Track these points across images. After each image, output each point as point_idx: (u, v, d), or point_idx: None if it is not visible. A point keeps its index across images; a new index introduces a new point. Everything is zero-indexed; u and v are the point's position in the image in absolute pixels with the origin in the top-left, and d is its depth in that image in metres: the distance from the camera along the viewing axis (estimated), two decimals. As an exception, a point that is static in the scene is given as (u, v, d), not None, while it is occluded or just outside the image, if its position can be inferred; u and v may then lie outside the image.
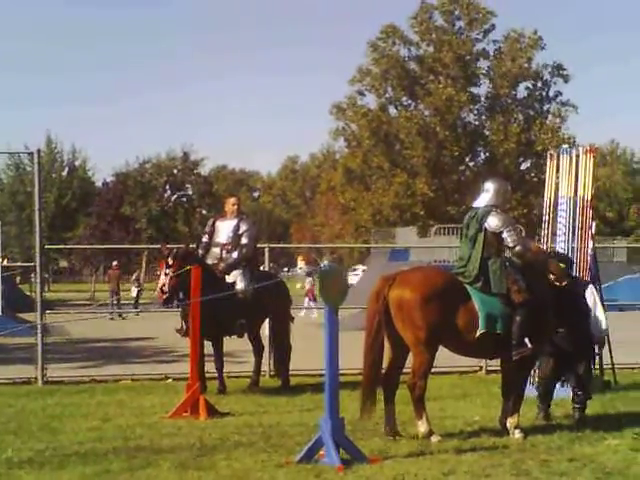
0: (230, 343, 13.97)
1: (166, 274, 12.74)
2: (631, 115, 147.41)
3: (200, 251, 13.80)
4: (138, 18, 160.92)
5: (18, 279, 47.43)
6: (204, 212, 72.69)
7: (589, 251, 13.40)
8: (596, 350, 11.94)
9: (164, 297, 12.83)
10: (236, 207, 14.02)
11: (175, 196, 76.03)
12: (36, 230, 14.90)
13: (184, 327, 13.18)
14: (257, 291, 13.19)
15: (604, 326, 11.26)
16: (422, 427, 9.58)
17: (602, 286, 13.54)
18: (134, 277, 42.71)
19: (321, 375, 10.77)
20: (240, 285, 13.38)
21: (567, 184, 13.76)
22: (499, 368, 10.65)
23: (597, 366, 12.62)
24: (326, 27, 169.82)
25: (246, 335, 13.95)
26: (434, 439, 9.44)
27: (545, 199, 14.25)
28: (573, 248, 13.30)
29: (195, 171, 77.36)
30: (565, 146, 15.55)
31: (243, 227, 13.79)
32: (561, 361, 10.83)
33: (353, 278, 46.06)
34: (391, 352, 9.82)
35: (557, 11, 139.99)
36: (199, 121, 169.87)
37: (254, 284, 13.26)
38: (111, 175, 73.05)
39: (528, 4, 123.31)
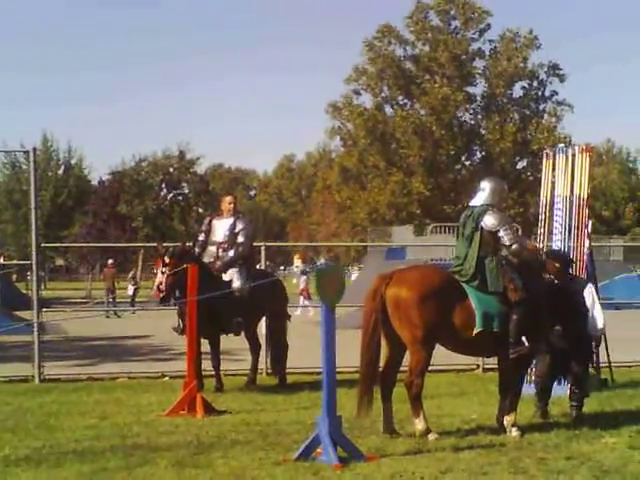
0: (227, 341, 13.97)
1: (163, 272, 12.74)
2: (627, 114, 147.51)
3: (197, 249, 13.80)
4: (136, 18, 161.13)
5: (14, 277, 47.40)
6: (200, 211, 72.67)
7: (585, 250, 13.42)
8: (593, 348, 11.95)
9: (161, 295, 12.82)
10: (232, 206, 14.01)
11: (171, 194, 75.96)
12: (32, 228, 14.90)
13: (181, 325, 13.19)
14: (254, 289, 13.19)
15: (600, 325, 11.28)
16: (419, 425, 9.59)
17: (598, 285, 13.55)
18: (130, 275, 42.69)
19: (318, 373, 10.83)
20: (236, 283, 13.38)
21: (563, 183, 13.77)
22: (496, 366, 10.66)
23: (594, 364, 12.62)
24: (322, 27, 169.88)
25: (243, 333, 13.96)
26: (431, 437, 9.45)
27: (541, 198, 14.27)
28: (569, 247, 13.32)
29: (191, 170, 77.26)
30: (561, 145, 15.56)
31: (239, 226, 13.79)
32: (558, 359, 10.84)
33: (355, 274, 45.96)
34: (388, 350, 9.83)
35: (553, 11, 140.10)
36: (195, 120, 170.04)
37: (250, 282, 13.27)
38: (107, 173, 73.05)
39: (523, 4, 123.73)
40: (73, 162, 75.06)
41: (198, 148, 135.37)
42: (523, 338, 9.84)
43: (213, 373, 13.40)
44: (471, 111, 65.68)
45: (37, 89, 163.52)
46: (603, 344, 13.00)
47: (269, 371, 14.75)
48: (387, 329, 9.67)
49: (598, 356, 12.96)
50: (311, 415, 10.12)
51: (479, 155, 66.50)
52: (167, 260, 12.74)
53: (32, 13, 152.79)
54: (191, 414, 11.11)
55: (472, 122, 65.84)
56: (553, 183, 14.05)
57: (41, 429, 10.34)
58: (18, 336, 18.08)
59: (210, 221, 14.16)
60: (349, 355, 10.14)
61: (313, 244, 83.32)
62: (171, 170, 76.46)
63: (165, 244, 13.59)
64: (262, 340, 14.44)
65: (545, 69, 65.16)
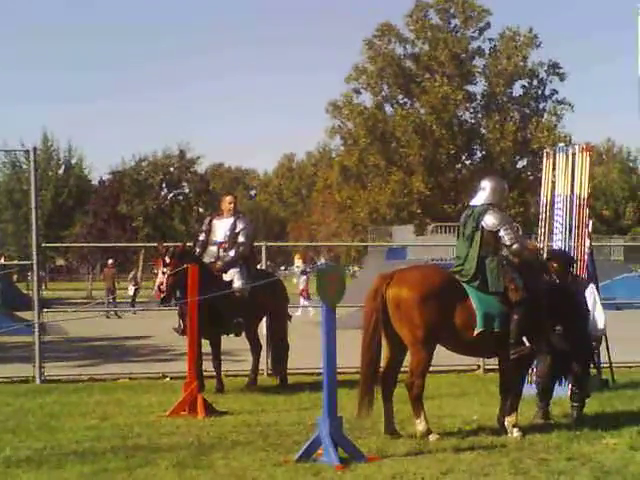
0: (228, 342, 13.97)
1: (163, 273, 12.73)
2: (627, 114, 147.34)
3: (197, 249, 13.79)
4: (136, 17, 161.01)
5: (15, 277, 47.40)
6: (201, 210, 72.69)
7: (586, 250, 13.41)
8: (593, 349, 11.94)
9: (162, 296, 12.82)
10: (233, 205, 14.00)
11: (172, 194, 75.99)
12: (33, 228, 14.89)
13: (182, 326, 13.18)
14: (254, 290, 13.19)
15: (601, 325, 11.27)
16: (420, 426, 9.58)
17: (599, 285, 13.54)
18: (131, 276, 42.68)
19: (319, 374, 10.82)
20: (237, 284, 13.38)
21: (563, 182, 13.76)
22: (497, 367, 10.65)
23: (595, 365, 12.61)
24: (322, 26, 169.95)
25: (244, 334, 13.95)
26: (432, 438, 9.45)
27: (541, 197, 14.26)
28: (570, 246, 13.31)
29: (191, 169, 77.28)
30: (561, 144, 15.56)
31: (240, 225, 13.78)
32: (559, 360, 10.84)
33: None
34: (389, 351, 9.82)
35: (553, 9, 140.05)
36: (195, 119, 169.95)
37: (251, 283, 13.26)
38: (107, 173, 73.09)
39: (523, 2, 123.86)
40: (73, 162, 75.06)
41: (198, 148, 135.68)
42: (524, 338, 9.85)
43: (214, 374, 13.39)
44: (471, 110, 65.71)
45: (38, 88, 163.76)
46: (604, 344, 12.98)
47: (270, 372, 14.74)
48: (388, 329, 9.67)
49: (599, 356, 12.94)
50: (312, 416, 10.11)
51: (479, 154, 66.52)
52: (168, 260, 12.73)
53: (32, 11, 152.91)
54: (192, 415, 11.11)
55: (472, 121, 65.87)
56: (553, 182, 14.05)
57: (42, 430, 10.34)
58: (19, 337, 18.12)
59: (210, 221, 14.15)
60: (350, 355, 10.13)
61: (313, 244, 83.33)
62: (171, 170, 76.46)
63: (165, 244, 13.57)
64: (263, 341, 14.43)
65: (545, 68, 65.21)
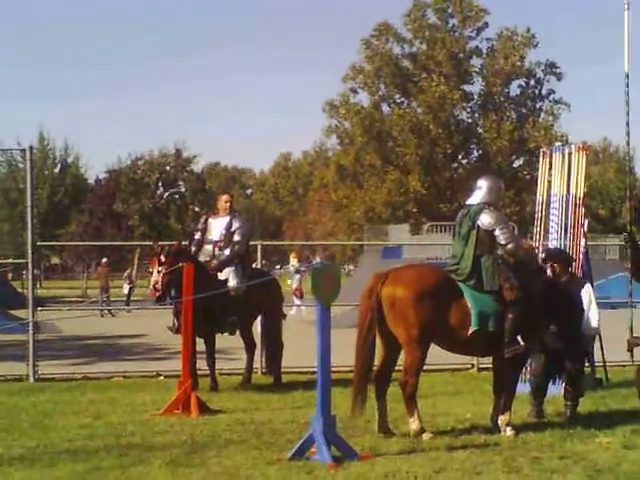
0: (222, 340, 13.96)
1: (159, 271, 12.73)
2: (623, 113, 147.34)
3: (192, 248, 13.79)
4: (132, 16, 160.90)
5: (10, 276, 47.39)
6: (197, 209, 72.69)
7: (581, 249, 13.42)
8: (587, 348, 11.94)
9: (157, 294, 12.82)
10: (229, 204, 14.00)
11: (167, 193, 76.01)
12: (28, 227, 14.88)
13: (176, 324, 13.18)
14: (249, 288, 13.18)
15: (595, 324, 11.28)
16: (414, 424, 9.58)
17: (594, 284, 13.55)
18: (126, 274, 42.63)
19: (313, 372, 10.81)
20: (232, 282, 13.38)
21: (560, 182, 13.77)
22: (491, 366, 10.66)
23: (589, 364, 12.62)
24: (320, 25, 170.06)
25: (238, 332, 13.95)
26: (425, 436, 9.44)
27: (538, 197, 14.28)
28: (565, 246, 13.31)
29: (188, 168, 77.29)
30: (558, 144, 15.62)
31: (236, 224, 13.78)
32: (553, 359, 10.84)
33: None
34: (383, 350, 9.82)
35: (550, 9, 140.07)
36: (192, 119, 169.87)
37: (246, 281, 13.26)
38: (103, 172, 73.08)
39: (521, 2, 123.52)
40: (69, 160, 74.97)
41: (194, 147, 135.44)
42: (518, 337, 9.85)
43: (208, 372, 13.39)
44: (468, 109, 65.75)
45: (34, 87, 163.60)
46: (598, 343, 12.99)
47: (264, 370, 14.73)
48: (382, 328, 9.67)
49: (593, 355, 12.95)
50: (305, 414, 10.11)
51: (476, 153, 66.55)
52: (163, 259, 12.73)
53: (28, 9, 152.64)
54: (186, 413, 11.10)
55: (469, 120, 65.91)
56: (549, 182, 14.05)
57: (35, 428, 10.32)
58: (13, 335, 18.09)
59: (206, 220, 14.15)
60: (344, 354, 10.13)
61: (309, 243, 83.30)
62: (167, 168, 76.48)
63: (161, 243, 13.58)
64: (257, 339, 14.42)
65: (542, 67, 65.25)
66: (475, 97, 65.67)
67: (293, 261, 39.68)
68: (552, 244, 13.46)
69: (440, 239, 37.28)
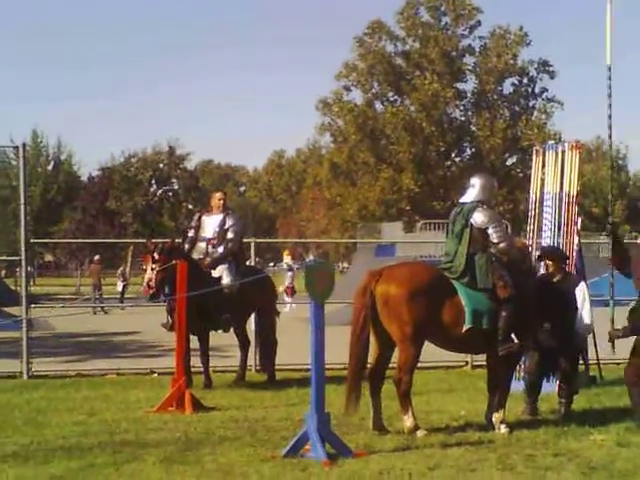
0: (216, 338, 13.96)
1: (152, 269, 12.72)
2: (617, 111, 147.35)
3: (186, 246, 13.78)
4: (125, 16, 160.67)
5: (3, 273, 47.33)
6: (190, 207, 72.64)
7: (575, 247, 13.44)
8: (582, 345, 11.96)
9: (151, 292, 12.80)
10: (222, 202, 14.00)
11: (161, 190, 75.92)
12: (21, 224, 14.87)
13: (170, 321, 13.16)
14: (243, 286, 13.17)
15: (588, 321, 11.29)
16: (408, 422, 9.59)
17: (588, 282, 13.57)
18: (119, 271, 42.58)
19: (307, 370, 10.79)
20: (226, 280, 13.38)
21: (553, 180, 13.78)
22: (485, 363, 10.66)
23: (583, 361, 12.64)
24: (313, 24, 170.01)
25: (232, 330, 13.94)
26: (420, 434, 9.45)
27: (531, 195, 14.28)
28: (559, 244, 13.32)
29: (181, 165, 77.24)
30: (551, 142, 15.58)
31: (229, 222, 13.78)
32: (547, 356, 10.86)
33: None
34: (377, 347, 9.82)
35: (543, 8, 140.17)
36: (185, 117, 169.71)
37: (240, 279, 13.26)
38: (97, 169, 72.98)
39: (514, 1, 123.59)
40: (63, 158, 74.97)
41: (188, 144, 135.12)
42: (512, 335, 9.86)
43: (202, 370, 13.38)
44: (461, 107, 65.84)
45: (27, 85, 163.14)
46: (592, 341, 13.01)
47: (258, 368, 14.74)
48: (376, 326, 9.67)
49: (587, 353, 12.97)
50: (300, 412, 10.11)
51: (469, 151, 66.64)
52: (156, 256, 12.72)
53: (22, 8, 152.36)
54: (180, 410, 11.10)
55: (462, 118, 65.98)
56: (543, 180, 14.06)
57: (29, 425, 10.31)
58: (6, 332, 18.05)
59: (200, 217, 14.14)
60: (338, 352, 10.12)
61: (303, 240, 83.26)
62: (161, 166, 76.43)
63: (154, 240, 13.57)
64: (251, 337, 14.42)
65: (535, 66, 65.33)
66: (468, 95, 65.75)
67: (286, 259, 39.64)
68: (545, 242, 13.46)
69: (433, 237, 37.31)
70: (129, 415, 10.92)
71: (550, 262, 11.26)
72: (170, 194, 76.21)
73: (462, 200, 10.36)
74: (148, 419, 10.65)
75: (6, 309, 26.52)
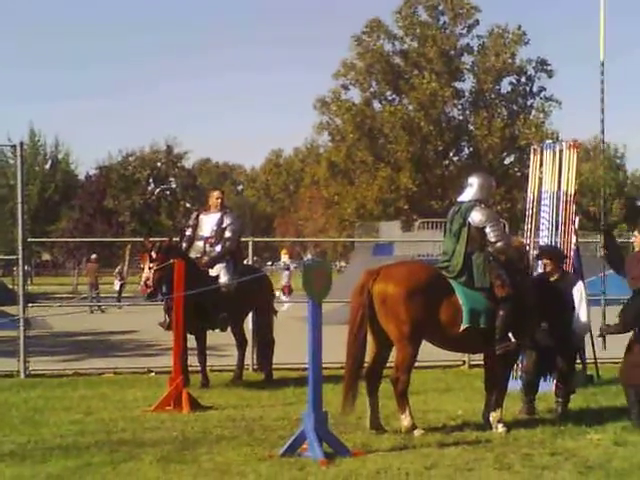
0: (213, 337, 13.95)
1: (150, 268, 12.71)
2: (614, 111, 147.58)
3: (184, 244, 13.78)
4: (120, 16, 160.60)
5: (0, 272, 47.28)
6: (188, 205, 72.56)
7: (572, 246, 13.44)
8: (579, 344, 11.96)
9: (148, 291, 12.80)
10: (220, 201, 14.00)
11: (158, 189, 75.87)
12: (19, 223, 14.86)
13: (167, 320, 13.16)
14: (240, 285, 13.17)
15: (584, 320, 11.29)
16: (405, 421, 9.59)
17: (585, 281, 13.57)
18: (117, 270, 42.54)
19: (304, 369, 10.81)
20: (223, 279, 13.37)
21: (550, 179, 13.79)
22: (482, 362, 10.67)
23: (580, 360, 12.64)
24: (310, 24, 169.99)
25: (229, 329, 13.94)
26: (417, 433, 9.46)
27: (529, 194, 14.29)
28: (556, 243, 13.33)
29: (179, 164, 77.21)
30: (549, 141, 15.59)
31: (227, 221, 13.78)
32: (544, 355, 10.86)
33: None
34: (374, 346, 9.83)
35: (541, 7, 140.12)
36: (183, 116, 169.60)
37: (237, 278, 13.26)
38: (94, 168, 72.93)
39: (512, 0, 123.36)
40: (60, 157, 74.85)
41: (185, 143, 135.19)
42: (510, 334, 9.87)
43: (199, 369, 13.38)
44: (459, 106, 65.72)
45: (24, 84, 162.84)
46: (589, 340, 13.01)
47: (255, 367, 14.73)
48: (374, 325, 9.67)
49: (584, 352, 12.97)
50: (297, 411, 10.11)
51: (467, 151, 66.53)
52: (154, 255, 12.71)
53: (19, 8, 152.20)
54: (177, 410, 11.10)
55: (460, 117, 65.89)
56: (540, 179, 14.07)
57: (26, 424, 10.32)
58: (4, 331, 18.04)
59: (197, 216, 14.14)
60: (335, 351, 10.12)
61: (300, 239, 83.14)
62: (158, 165, 76.38)
63: (152, 239, 13.56)
64: (248, 336, 14.41)
65: (533, 65, 65.28)
66: (466, 94, 65.65)
67: (284, 257, 39.61)
68: (543, 241, 13.47)
69: (431, 236, 37.20)
70: (126, 414, 10.92)
71: (548, 261, 11.26)
72: (168, 193, 76.16)
73: (460, 199, 10.36)
74: (145, 418, 10.65)
75: (3, 308, 26.50)
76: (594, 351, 13.56)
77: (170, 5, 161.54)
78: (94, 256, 39.94)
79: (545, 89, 65.56)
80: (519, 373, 11.85)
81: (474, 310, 9.70)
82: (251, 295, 13.56)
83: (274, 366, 14.19)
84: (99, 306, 34.58)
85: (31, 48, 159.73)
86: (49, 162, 74.34)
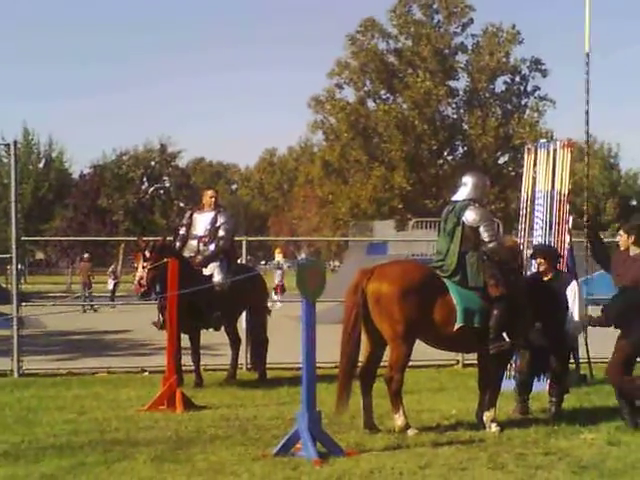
0: (207, 336, 13.94)
1: (143, 267, 12.70)
2: (608, 110, 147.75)
3: (177, 244, 13.77)
4: (115, 14, 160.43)
5: (-6, 271, 47.12)
6: (181, 204, 72.46)
7: (566, 245, 13.44)
8: (572, 344, 11.97)
9: (142, 290, 12.78)
10: (214, 200, 14.00)
11: (152, 188, 75.79)
12: (12, 222, 14.84)
13: (161, 320, 13.15)
14: (234, 284, 13.16)
15: (578, 320, 11.30)
16: (399, 420, 9.59)
17: (579, 280, 13.58)
18: (110, 270, 42.50)
19: (298, 368, 10.80)
20: (217, 278, 13.36)
21: (544, 178, 13.79)
22: (476, 362, 10.67)
23: (574, 360, 12.66)
24: (305, 22, 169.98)
25: (223, 328, 13.93)
26: (411, 432, 9.46)
27: (522, 193, 14.29)
28: (550, 242, 13.33)
29: (172, 163, 77.16)
30: (543, 140, 15.59)
31: (220, 220, 13.77)
32: (537, 355, 10.86)
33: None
34: (368, 346, 9.82)
35: (535, 6, 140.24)
36: (177, 115, 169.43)
37: (231, 277, 13.25)
38: (88, 167, 72.83)
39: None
40: (54, 155, 74.82)
41: (179, 142, 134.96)
42: (503, 334, 9.87)
43: (193, 368, 13.37)
44: (453, 105, 65.71)
45: (18, 82, 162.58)
46: (582, 340, 13.03)
47: (249, 366, 14.72)
48: (368, 324, 9.67)
49: (577, 352, 12.98)
50: (290, 410, 10.10)
51: (461, 150, 66.53)
52: (148, 254, 12.70)
53: (13, 5, 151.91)
54: (170, 409, 11.09)
55: (454, 117, 65.89)
56: (534, 178, 14.07)
57: (19, 424, 10.30)
58: (-3, 330, 18.01)
59: (191, 215, 14.13)
60: (329, 350, 10.12)
61: (294, 239, 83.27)
62: (152, 164, 76.30)
63: (146, 238, 13.55)
64: (242, 335, 14.41)
65: (527, 64, 65.31)
66: (460, 93, 65.65)
67: (278, 257, 39.60)
68: (537, 240, 13.47)
69: (425, 235, 37.23)
70: (120, 414, 10.91)
71: (542, 260, 11.26)
72: (161, 192, 76.07)
73: (454, 198, 10.37)
74: (139, 418, 10.64)
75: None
76: (588, 351, 13.58)
77: (165, 4, 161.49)
78: (87, 255, 39.92)
79: (539, 88, 65.62)
80: (513, 373, 11.85)
81: (468, 309, 9.71)
82: (245, 294, 13.55)
83: (268, 365, 14.18)
84: (91, 305, 34.53)
85: (24, 46, 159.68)
86: (43, 161, 74.34)
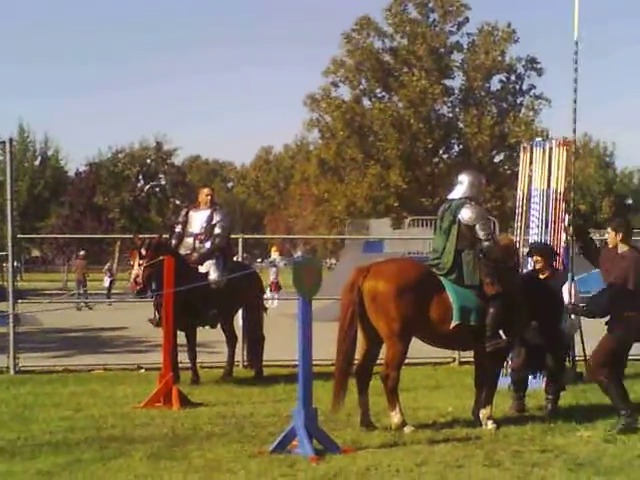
0: (203, 334, 13.94)
1: (139, 265, 12.69)
2: (604, 109, 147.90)
3: (173, 241, 13.77)
4: (111, 13, 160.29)
5: (-10, 268, 47.05)
6: (177, 202, 72.43)
7: (562, 244, 13.45)
8: (568, 342, 11.98)
9: (138, 288, 12.78)
10: (210, 197, 13.99)
11: (148, 186, 75.69)
12: (8, 219, 14.84)
13: (157, 317, 13.15)
14: (230, 282, 13.17)
15: (574, 317, 11.31)
16: (395, 418, 9.60)
17: (575, 278, 13.58)
18: (106, 267, 42.49)
19: (294, 366, 10.81)
20: (213, 275, 13.36)
21: (540, 177, 13.80)
22: (472, 359, 10.68)
23: (569, 358, 12.66)
24: (300, 21, 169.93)
25: (219, 325, 13.94)
26: (407, 430, 9.47)
27: (518, 192, 14.30)
28: (546, 241, 13.35)
29: (168, 161, 77.06)
30: (538, 139, 15.60)
31: (216, 217, 13.77)
32: (534, 353, 10.88)
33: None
34: (365, 343, 9.83)
35: (530, 5, 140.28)
36: (173, 113, 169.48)
37: (227, 274, 13.25)
38: (84, 165, 72.71)
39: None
40: (49, 153, 74.73)
41: (175, 140, 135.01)
42: (500, 332, 9.88)
43: (189, 365, 13.37)
44: (449, 104, 65.69)
45: (14, 80, 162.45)
46: (579, 337, 13.03)
47: (245, 364, 14.73)
48: (364, 322, 9.68)
49: (573, 349, 12.99)
50: (287, 408, 10.12)
51: (457, 148, 66.53)
52: (144, 252, 12.70)
53: (9, 3, 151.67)
54: (167, 406, 11.10)
55: (450, 115, 65.88)
56: (530, 177, 14.07)
57: (16, 421, 10.30)
58: (-7, 327, 18.00)
59: (187, 213, 14.13)
60: (325, 348, 10.14)
61: (290, 237, 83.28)
62: (148, 161, 76.21)
63: (141, 236, 13.55)
64: (238, 332, 14.41)
65: (523, 63, 65.32)
66: (456, 92, 65.63)
67: (274, 254, 39.65)
68: (533, 239, 13.49)
69: (421, 233, 37.25)
70: (116, 411, 10.91)
71: (539, 258, 11.28)
72: (157, 190, 75.96)
73: (450, 196, 10.38)
74: (135, 415, 10.64)
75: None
76: (584, 348, 13.57)
77: (162, 4, 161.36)
78: (82, 253, 39.88)
79: (535, 87, 65.66)
80: (509, 370, 11.86)
81: (464, 307, 9.72)
82: (241, 292, 13.56)
83: (264, 363, 14.19)
84: (86, 303, 34.51)
85: (20, 44, 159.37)
86: (38, 158, 74.23)
